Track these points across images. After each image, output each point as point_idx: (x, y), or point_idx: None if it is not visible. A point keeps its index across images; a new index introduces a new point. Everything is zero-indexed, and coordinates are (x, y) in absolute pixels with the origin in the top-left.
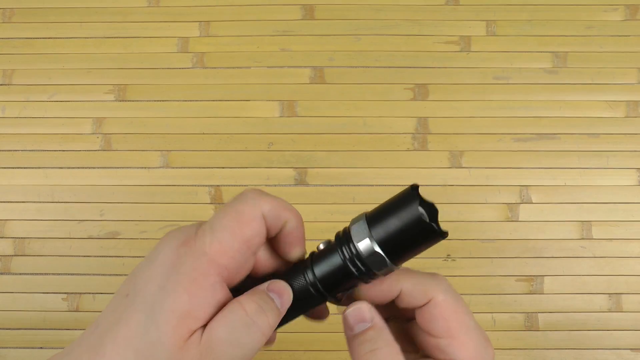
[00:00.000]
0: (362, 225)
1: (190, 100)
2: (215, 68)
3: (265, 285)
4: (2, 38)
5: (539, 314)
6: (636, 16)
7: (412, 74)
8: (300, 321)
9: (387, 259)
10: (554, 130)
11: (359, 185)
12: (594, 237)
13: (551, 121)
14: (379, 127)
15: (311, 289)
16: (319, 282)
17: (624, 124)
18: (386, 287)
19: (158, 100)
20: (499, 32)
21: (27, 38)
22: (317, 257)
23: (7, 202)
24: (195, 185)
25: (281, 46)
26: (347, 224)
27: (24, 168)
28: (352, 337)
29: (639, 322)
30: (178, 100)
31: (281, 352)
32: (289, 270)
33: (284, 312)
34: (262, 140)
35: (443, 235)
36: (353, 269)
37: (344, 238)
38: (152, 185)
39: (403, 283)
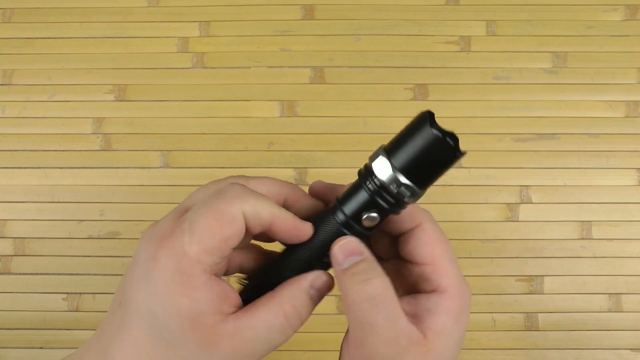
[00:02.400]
0: (382, 159)
1: (190, 100)
2: (215, 68)
3: (307, 282)
4: (2, 38)
5: (539, 314)
6: (636, 16)
7: (412, 74)
8: None
9: (414, 186)
10: (554, 130)
11: None
12: (594, 237)
13: (551, 121)
14: (379, 127)
15: (344, 230)
16: (351, 219)
17: (624, 124)
18: None
19: (158, 100)
20: (499, 32)
21: (27, 38)
22: (343, 199)
23: (7, 202)
24: (195, 185)
25: (281, 46)
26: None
27: (24, 168)
28: (342, 271)
29: (639, 322)
30: (178, 100)
31: (281, 352)
32: (318, 217)
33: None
34: (262, 140)
35: (460, 152)
36: (383, 204)
37: (368, 174)
38: (152, 185)
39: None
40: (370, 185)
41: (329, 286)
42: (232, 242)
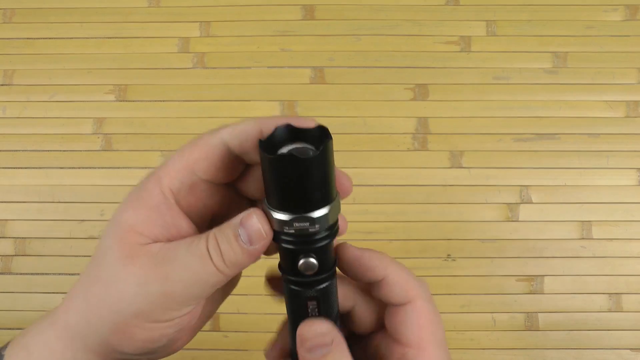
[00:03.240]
0: (267, 209)
1: (191, 100)
2: (215, 68)
3: (238, 218)
4: (3, 38)
5: (539, 314)
6: (636, 16)
7: (412, 74)
8: None
9: (302, 215)
10: (554, 130)
11: (359, 185)
12: (594, 237)
13: (551, 121)
14: (379, 127)
15: (295, 287)
16: (292, 275)
17: (624, 124)
18: (373, 263)
19: (158, 101)
20: (499, 32)
21: (27, 38)
22: (281, 262)
23: (8, 202)
24: None
25: (281, 46)
26: (348, 224)
27: (25, 168)
28: (306, 357)
29: (639, 322)
30: (178, 101)
31: None
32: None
33: (255, 253)
34: None
35: (312, 147)
36: (297, 246)
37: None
38: None
39: (390, 270)
40: (278, 238)
41: (260, 234)
42: (197, 167)
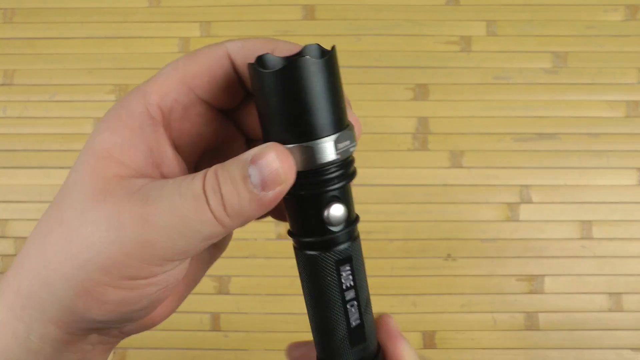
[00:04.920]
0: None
1: None
2: None
3: (250, 153)
4: (3, 38)
5: (539, 314)
6: (636, 16)
7: (412, 74)
8: (299, 319)
9: (307, 143)
10: (554, 130)
11: (360, 185)
12: (594, 237)
13: (551, 121)
14: (380, 127)
15: (319, 253)
16: (317, 235)
17: (624, 124)
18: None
19: None
20: (499, 32)
21: (28, 38)
22: (293, 228)
23: (8, 201)
24: None
25: None
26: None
27: (25, 168)
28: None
29: (639, 322)
30: None
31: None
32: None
33: (267, 202)
34: None
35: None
36: (315, 189)
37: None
38: None
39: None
40: (299, 189)
41: (277, 175)
42: (195, 83)
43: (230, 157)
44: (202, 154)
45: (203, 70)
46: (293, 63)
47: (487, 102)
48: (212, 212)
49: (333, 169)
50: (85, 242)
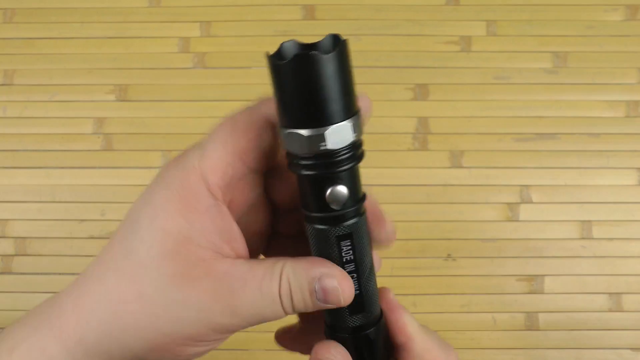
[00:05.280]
0: (281, 131)
1: (191, 100)
2: (216, 68)
3: (318, 272)
4: (4, 38)
5: (539, 314)
6: (636, 16)
7: (412, 73)
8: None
9: (317, 129)
10: (554, 130)
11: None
12: (594, 237)
13: (551, 121)
14: (380, 127)
15: (321, 226)
16: (317, 211)
17: (624, 124)
18: (399, 324)
19: (159, 100)
20: (499, 32)
21: (28, 38)
22: (302, 202)
23: (8, 202)
24: None
25: None
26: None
27: (25, 168)
28: None
29: (639, 322)
30: (179, 100)
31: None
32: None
33: (326, 307)
34: None
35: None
36: (319, 170)
37: (289, 159)
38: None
39: (414, 340)
40: (294, 168)
41: (337, 295)
42: (248, 157)
43: (259, 212)
44: (246, 209)
45: (253, 144)
46: (301, 58)
47: (487, 102)
48: (283, 310)
49: (335, 155)
50: (173, 319)
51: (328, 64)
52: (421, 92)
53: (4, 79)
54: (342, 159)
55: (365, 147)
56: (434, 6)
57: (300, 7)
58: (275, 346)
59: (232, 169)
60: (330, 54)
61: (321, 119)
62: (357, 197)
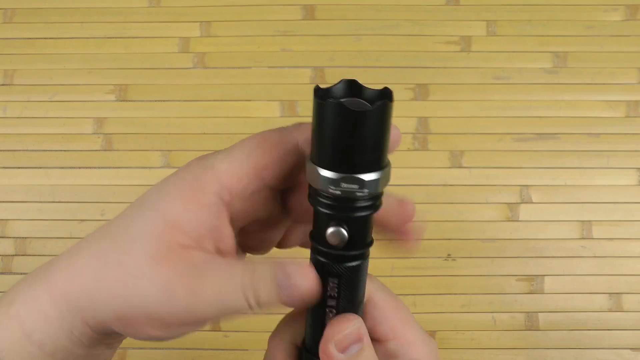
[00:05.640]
0: (309, 166)
1: (191, 100)
2: (216, 68)
3: (281, 264)
4: (3, 38)
5: (539, 314)
6: (636, 16)
7: (412, 74)
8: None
9: (351, 175)
10: (554, 130)
11: None
12: (594, 237)
13: (551, 121)
14: None
15: (320, 258)
16: (317, 242)
17: (624, 124)
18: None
19: (159, 100)
20: (499, 32)
21: (28, 38)
22: (312, 229)
23: (8, 202)
24: None
25: (282, 46)
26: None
27: (25, 168)
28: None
29: (639, 322)
30: (179, 100)
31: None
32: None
33: (291, 304)
34: None
35: (375, 104)
36: (336, 211)
37: (310, 191)
38: (153, 185)
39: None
40: (313, 200)
41: (300, 292)
42: (266, 173)
43: (267, 226)
44: (251, 221)
45: (275, 163)
46: (336, 105)
47: (487, 102)
48: (247, 304)
49: (351, 201)
50: (140, 293)
51: (362, 119)
52: (421, 92)
53: (4, 79)
54: (357, 206)
55: None
56: (434, 6)
57: (300, 7)
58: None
59: (247, 180)
60: (365, 111)
61: (349, 166)
62: (359, 242)
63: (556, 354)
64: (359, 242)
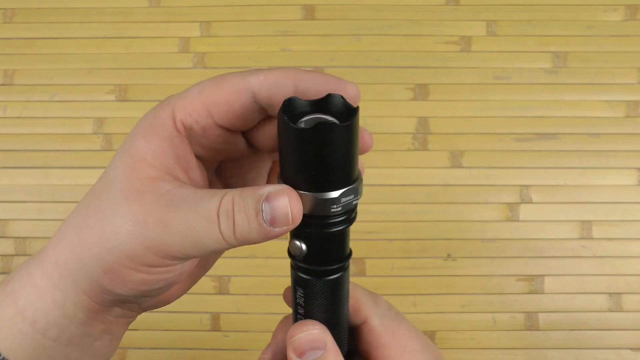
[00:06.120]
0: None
1: None
2: (216, 68)
3: (265, 190)
4: (3, 38)
5: (539, 314)
6: (636, 16)
7: (412, 74)
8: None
9: (308, 193)
10: (554, 130)
11: None
12: (594, 237)
13: (551, 121)
14: (380, 127)
15: (292, 269)
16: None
17: (624, 124)
18: None
19: (159, 100)
20: (499, 32)
21: (28, 38)
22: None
23: (8, 202)
24: None
25: (282, 46)
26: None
27: (25, 168)
28: None
29: (639, 322)
30: None
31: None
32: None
33: (273, 236)
34: None
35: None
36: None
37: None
38: None
39: None
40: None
41: (286, 218)
42: (215, 111)
43: (245, 168)
44: (219, 162)
45: (223, 101)
46: (320, 127)
47: (487, 102)
48: (221, 233)
49: (306, 217)
50: (114, 231)
51: (344, 134)
52: (421, 92)
53: (4, 79)
54: (312, 224)
55: None
56: (434, 6)
57: (300, 7)
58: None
59: (196, 115)
60: (348, 124)
61: (324, 185)
62: (319, 256)
63: (556, 354)
64: (317, 258)
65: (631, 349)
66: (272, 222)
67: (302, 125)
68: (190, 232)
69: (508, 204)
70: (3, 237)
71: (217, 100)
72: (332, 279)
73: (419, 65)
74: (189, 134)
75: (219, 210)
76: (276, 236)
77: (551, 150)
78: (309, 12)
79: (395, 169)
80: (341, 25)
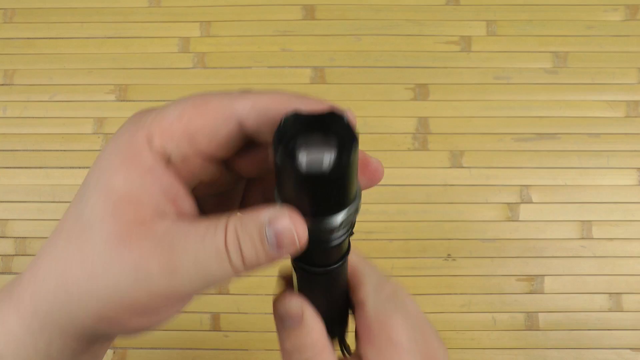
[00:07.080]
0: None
1: None
2: (216, 68)
3: (266, 216)
4: (4, 38)
5: (539, 314)
6: (636, 16)
7: (412, 74)
8: None
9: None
10: (554, 130)
11: None
12: (594, 237)
13: (551, 121)
14: (380, 127)
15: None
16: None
17: (624, 124)
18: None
19: (159, 100)
20: (499, 32)
21: (28, 38)
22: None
23: (8, 201)
24: None
25: (282, 46)
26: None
27: (25, 168)
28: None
29: (639, 322)
30: None
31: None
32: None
33: (281, 258)
34: None
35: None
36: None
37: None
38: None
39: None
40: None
41: (292, 239)
42: (196, 139)
43: (220, 187)
44: (203, 190)
45: (206, 128)
46: (312, 176)
47: (487, 102)
48: (232, 266)
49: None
50: (111, 284)
51: (346, 164)
52: (421, 92)
53: (4, 79)
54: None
55: (365, 147)
56: (434, 6)
57: (300, 7)
58: (276, 346)
59: (177, 142)
60: (349, 160)
61: (325, 210)
62: (302, 257)
63: (556, 354)
64: (313, 261)
65: (631, 349)
66: (279, 247)
67: (299, 160)
68: (202, 272)
69: (508, 204)
70: (3, 237)
71: (199, 127)
72: (328, 273)
73: (419, 65)
74: (166, 162)
75: (226, 243)
76: (283, 257)
77: (551, 150)
78: (309, 12)
79: (395, 169)
80: (341, 25)
